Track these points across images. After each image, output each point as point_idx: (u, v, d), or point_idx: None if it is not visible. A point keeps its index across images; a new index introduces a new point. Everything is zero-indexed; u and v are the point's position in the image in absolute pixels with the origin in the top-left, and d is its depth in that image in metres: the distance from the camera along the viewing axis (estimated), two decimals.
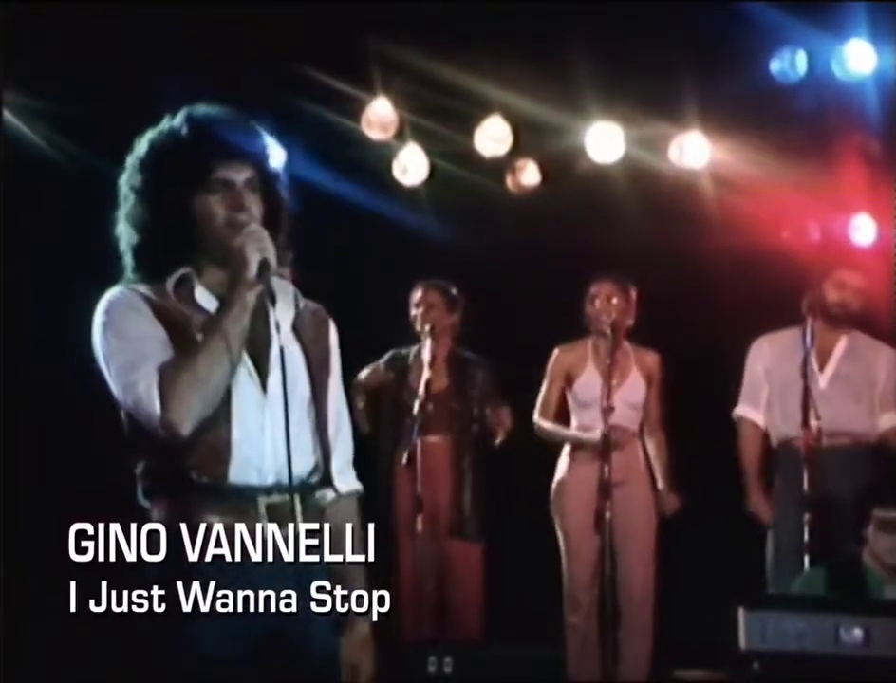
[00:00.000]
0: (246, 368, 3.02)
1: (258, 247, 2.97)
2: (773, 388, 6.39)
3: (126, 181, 3.10)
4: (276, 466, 2.99)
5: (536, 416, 6.60)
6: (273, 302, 2.98)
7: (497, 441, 6.65)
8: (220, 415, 2.96)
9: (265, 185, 3.11)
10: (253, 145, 3.14)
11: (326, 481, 3.11)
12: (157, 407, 2.90)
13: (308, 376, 3.08)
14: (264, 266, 2.96)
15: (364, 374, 6.71)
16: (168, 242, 3.05)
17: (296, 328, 3.11)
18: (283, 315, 3.06)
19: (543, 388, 6.63)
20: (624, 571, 6.28)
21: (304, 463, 3.04)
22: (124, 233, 3.10)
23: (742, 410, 6.46)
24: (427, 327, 6.60)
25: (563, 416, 6.62)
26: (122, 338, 2.99)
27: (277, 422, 2.97)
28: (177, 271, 3.06)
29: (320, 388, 3.10)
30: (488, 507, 6.57)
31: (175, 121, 3.11)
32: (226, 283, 3.00)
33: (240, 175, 3.06)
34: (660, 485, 6.52)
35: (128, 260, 3.10)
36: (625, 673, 6.24)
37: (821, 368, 6.25)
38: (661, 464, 6.55)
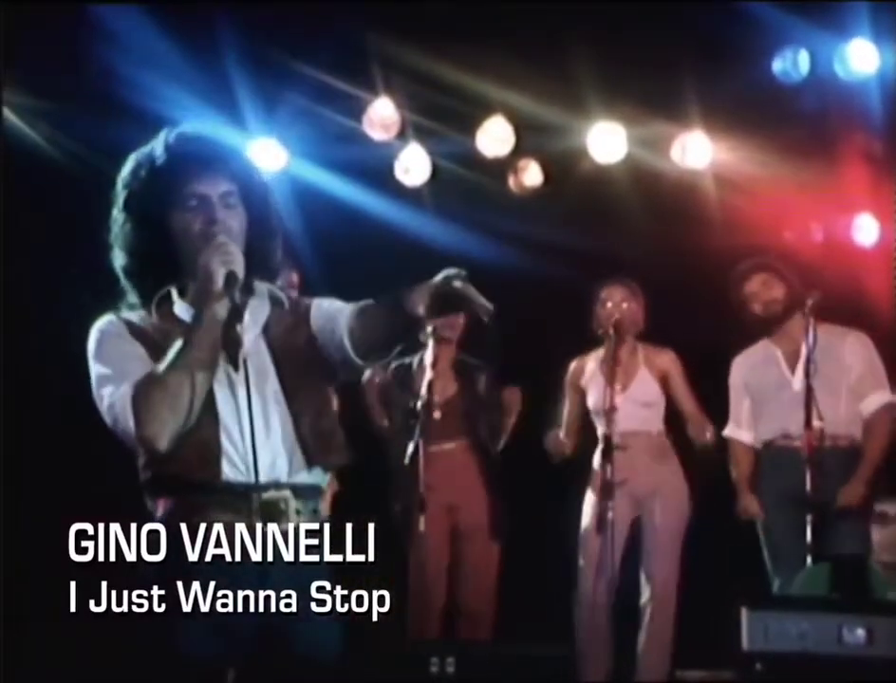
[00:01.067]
0: (225, 371, 3.04)
1: (223, 260, 2.99)
2: (753, 398, 6.35)
3: (115, 204, 3.14)
4: (267, 464, 3.02)
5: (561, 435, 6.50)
6: (239, 315, 2.99)
7: (501, 443, 6.58)
8: (208, 417, 3.00)
9: (248, 197, 3.13)
10: (230, 159, 3.15)
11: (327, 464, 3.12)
12: (131, 425, 2.96)
13: (277, 374, 3.09)
14: (231, 278, 2.98)
15: (366, 375, 6.66)
16: (153, 261, 3.09)
17: (268, 328, 3.13)
18: (257, 318, 3.11)
19: (563, 405, 6.56)
20: (645, 569, 6.25)
21: (292, 459, 3.06)
22: (117, 256, 3.14)
23: (729, 430, 6.41)
24: (430, 328, 6.56)
25: (589, 428, 6.53)
26: (104, 363, 3.06)
27: (256, 422, 2.99)
28: (161, 291, 3.10)
29: (295, 384, 3.10)
30: (503, 507, 6.54)
31: (155, 140, 3.14)
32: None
33: (216, 189, 3.08)
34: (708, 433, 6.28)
35: (122, 283, 3.14)
36: (641, 674, 6.21)
37: (792, 370, 6.21)
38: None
